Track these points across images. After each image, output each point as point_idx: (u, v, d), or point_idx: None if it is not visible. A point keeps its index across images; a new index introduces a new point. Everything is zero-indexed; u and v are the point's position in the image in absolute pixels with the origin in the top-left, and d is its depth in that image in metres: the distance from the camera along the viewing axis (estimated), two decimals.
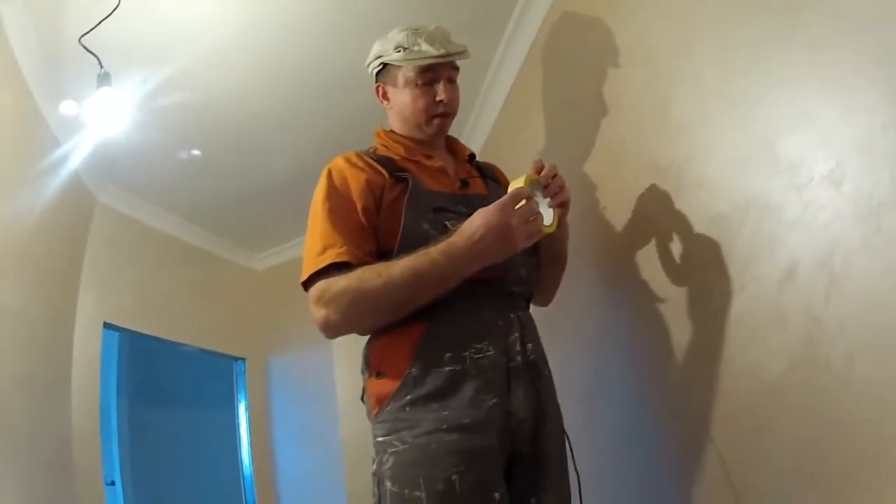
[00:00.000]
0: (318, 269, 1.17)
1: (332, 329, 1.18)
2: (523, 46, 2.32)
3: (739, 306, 1.15)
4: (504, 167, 1.57)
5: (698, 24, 1.25)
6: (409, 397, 1.13)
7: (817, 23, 0.94)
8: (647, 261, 1.47)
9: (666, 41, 1.38)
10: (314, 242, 1.21)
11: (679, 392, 1.38)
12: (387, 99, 1.42)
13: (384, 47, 1.38)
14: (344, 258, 1.17)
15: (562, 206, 1.22)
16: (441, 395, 1.13)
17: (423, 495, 1.05)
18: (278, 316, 4.05)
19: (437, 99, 1.34)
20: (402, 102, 1.37)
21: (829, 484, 0.94)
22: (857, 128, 0.87)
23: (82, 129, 2.43)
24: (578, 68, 1.82)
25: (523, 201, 1.09)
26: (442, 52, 1.33)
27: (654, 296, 1.44)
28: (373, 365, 1.21)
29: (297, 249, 3.97)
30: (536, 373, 1.21)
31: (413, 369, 1.15)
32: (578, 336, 1.85)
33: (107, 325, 2.92)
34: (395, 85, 1.38)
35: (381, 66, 1.39)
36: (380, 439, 1.14)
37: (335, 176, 1.28)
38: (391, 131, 1.42)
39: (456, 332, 1.18)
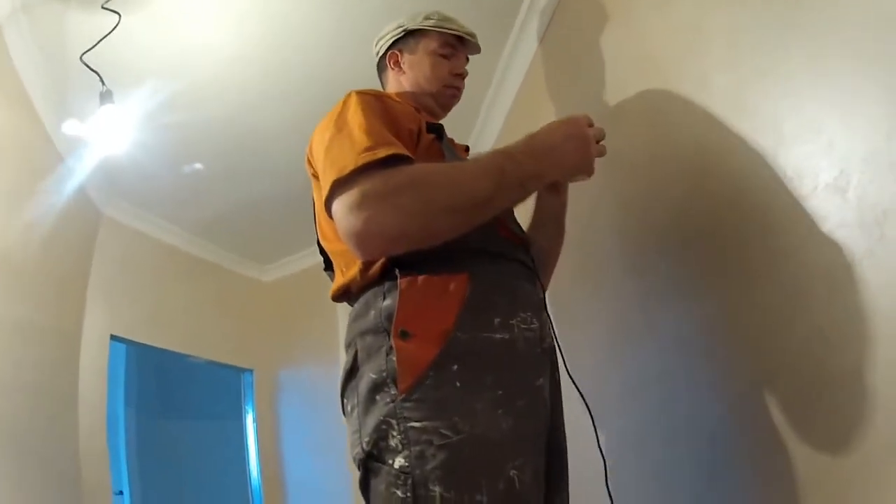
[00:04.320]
0: (371, 160, 0.90)
1: (382, 237, 0.90)
2: (529, 49, 2.34)
3: (748, 316, 1.14)
4: None
5: (706, 31, 1.24)
6: (455, 368, 0.89)
7: (822, 31, 0.93)
8: (654, 271, 1.48)
9: (673, 48, 1.36)
10: (354, 142, 0.95)
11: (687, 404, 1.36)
12: (398, 67, 1.37)
13: (407, 19, 1.38)
14: (406, 153, 0.94)
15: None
16: (494, 368, 0.92)
17: (485, 499, 0.83)
18: (286, 327, 4.10)
19: (455, 73, 1.36)
20: (419, 68, 1.35)
21: None
22: (861, 136, 0.87)
23: (86, 147, 2.47)
24: (585, 73, 1.83)
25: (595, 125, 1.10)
26: (469, 31, 1.38)
27: (665, 304, 1.44)
28: (398, 321, 0.92)
29: (304, 261, 4.04)
30: (555, 362, 1.09)
31: (458, 332, 0.92)
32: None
33: (114, 338, 2.95)
34: (412, 53, 1.37)
35: (401, 34, 1.38)
36: (415, 425, 0.86)
37: (367, 96, 1.07)
38: (403, 92, 1.34)
39: (503, 293, 1.00)
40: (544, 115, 2.15)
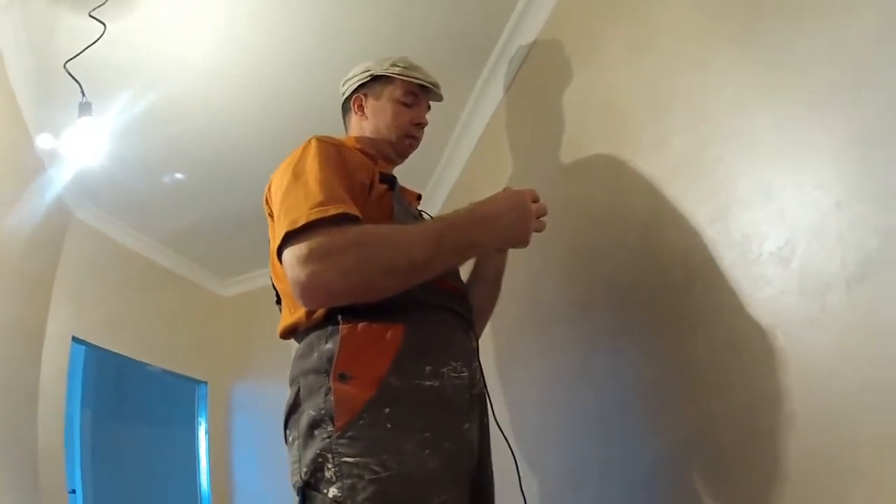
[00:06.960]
0: (321, 217, 0.97)
1: (324, 291, 0.98)
2: (495, 97, 2.35)
3: (685, 373, 1.17)
4: None
5: (668, 90, 1.27)
6: (388, 411, 0.97)
7: (783, 98, 0.95)
8: (599, 319, 1.53)
9: (637, 106, 1.39)
10: (308, 194, 1.01)
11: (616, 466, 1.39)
12: (362, 111, 1.41)
13: (374, 64, 1.41)
14: (355, 213, 1.00)
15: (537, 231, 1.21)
16: (424, 412, 1.00)
17: None
18: (243, 342, 4.12)
19: (416, 122, 1.40)
20: (381, 115, 1.38)
21: None
22: (812, 204, 0.87)
23: (63, 157, 2.49)
24: (548, 125, 1.84)
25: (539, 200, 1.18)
26: (433, 80, 1.42)
27: (606, 351, 1.47)
28: (338, 364, 1.00)
29: (264, 278, 4.03)
30: (484, 408, 1.17)
31: (392, 378, 1.00)
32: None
33: (76, 340, 2.95)
34: (377, 98, 1.40)
35: (368, 79, 1.41)
36: (348, 460, 0.94)
37: (326, 146, 1.12)
38: (362, 137, 1.38)
39: (436, 343, 1.08)
40: (503, 164, 2.22)
